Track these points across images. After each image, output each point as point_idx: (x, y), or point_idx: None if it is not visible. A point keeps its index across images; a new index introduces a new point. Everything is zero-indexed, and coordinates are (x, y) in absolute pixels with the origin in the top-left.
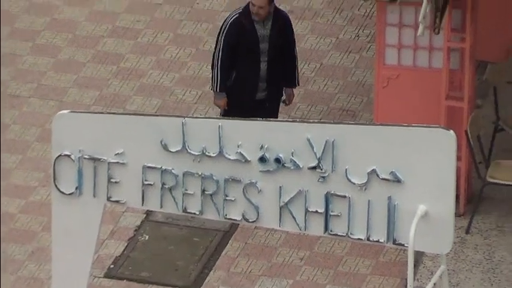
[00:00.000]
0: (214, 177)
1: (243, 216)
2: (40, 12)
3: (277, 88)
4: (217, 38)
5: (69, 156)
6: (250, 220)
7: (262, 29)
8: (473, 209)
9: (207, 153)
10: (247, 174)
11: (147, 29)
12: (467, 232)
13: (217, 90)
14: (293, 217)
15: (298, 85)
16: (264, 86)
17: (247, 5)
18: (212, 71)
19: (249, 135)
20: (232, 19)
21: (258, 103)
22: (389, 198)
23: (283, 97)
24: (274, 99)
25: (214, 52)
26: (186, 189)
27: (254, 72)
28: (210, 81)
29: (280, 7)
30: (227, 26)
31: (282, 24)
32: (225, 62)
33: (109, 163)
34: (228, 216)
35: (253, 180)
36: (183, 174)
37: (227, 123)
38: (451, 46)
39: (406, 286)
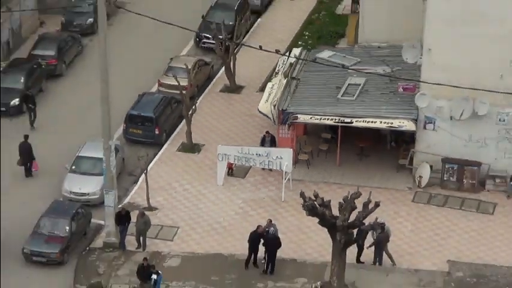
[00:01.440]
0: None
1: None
2: None
3: (274, 145)
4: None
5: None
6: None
7: (268, 138)
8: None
9: (250, 153)
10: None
11: None
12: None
13: None
14: (264, 165)
15: (276, 144)
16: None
17: (264, 135)
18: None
19: (254, 151)
20: (262, 137)
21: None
22: (280, 158)
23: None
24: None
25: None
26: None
27: (268, 145)
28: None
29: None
30: (261, 140)
31: (270, 136)
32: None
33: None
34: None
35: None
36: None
37: (252, 149)
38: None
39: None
